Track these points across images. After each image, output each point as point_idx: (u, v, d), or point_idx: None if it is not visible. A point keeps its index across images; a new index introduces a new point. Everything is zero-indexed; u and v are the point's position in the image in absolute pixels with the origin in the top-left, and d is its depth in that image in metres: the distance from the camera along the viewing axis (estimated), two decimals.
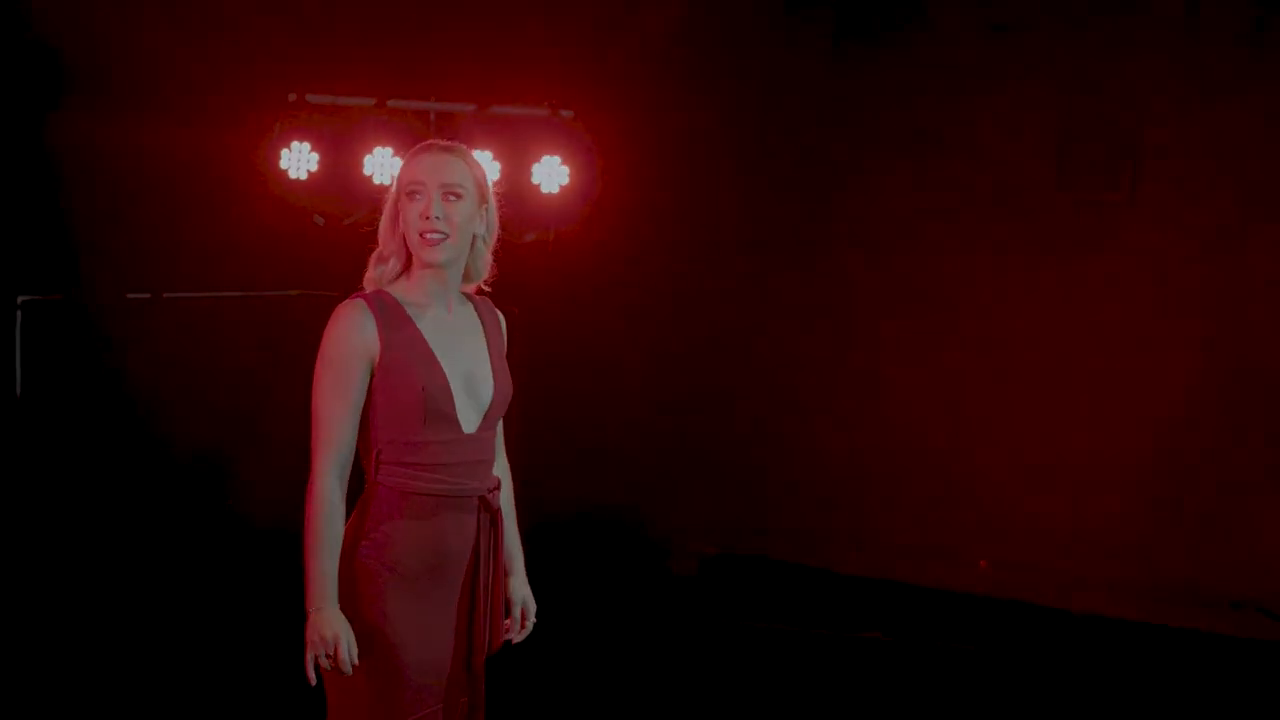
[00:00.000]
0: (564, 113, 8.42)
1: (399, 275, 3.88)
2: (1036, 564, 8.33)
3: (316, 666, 3.74)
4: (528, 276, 8.86)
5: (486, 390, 3.92)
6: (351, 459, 3.81)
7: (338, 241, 8.02)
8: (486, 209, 3.92)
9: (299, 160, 8.29)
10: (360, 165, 8.23)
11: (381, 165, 8.15)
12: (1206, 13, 7.93)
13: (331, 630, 3.71)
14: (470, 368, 3.90)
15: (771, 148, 9.19)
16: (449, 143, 3.95)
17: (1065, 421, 8.34)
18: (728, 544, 9.25)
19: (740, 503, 9.31)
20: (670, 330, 9.52)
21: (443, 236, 3.82)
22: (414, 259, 3.86)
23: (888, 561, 8.78)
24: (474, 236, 3.90)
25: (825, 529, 9.05)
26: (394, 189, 3.90)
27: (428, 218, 3.80)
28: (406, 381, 3.79)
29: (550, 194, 8.37)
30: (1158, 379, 8.06)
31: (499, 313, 4.06)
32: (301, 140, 8.28)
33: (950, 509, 8.63)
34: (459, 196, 3.84)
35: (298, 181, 8.31)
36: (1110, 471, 8.16)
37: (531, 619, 4.13)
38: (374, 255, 3.91)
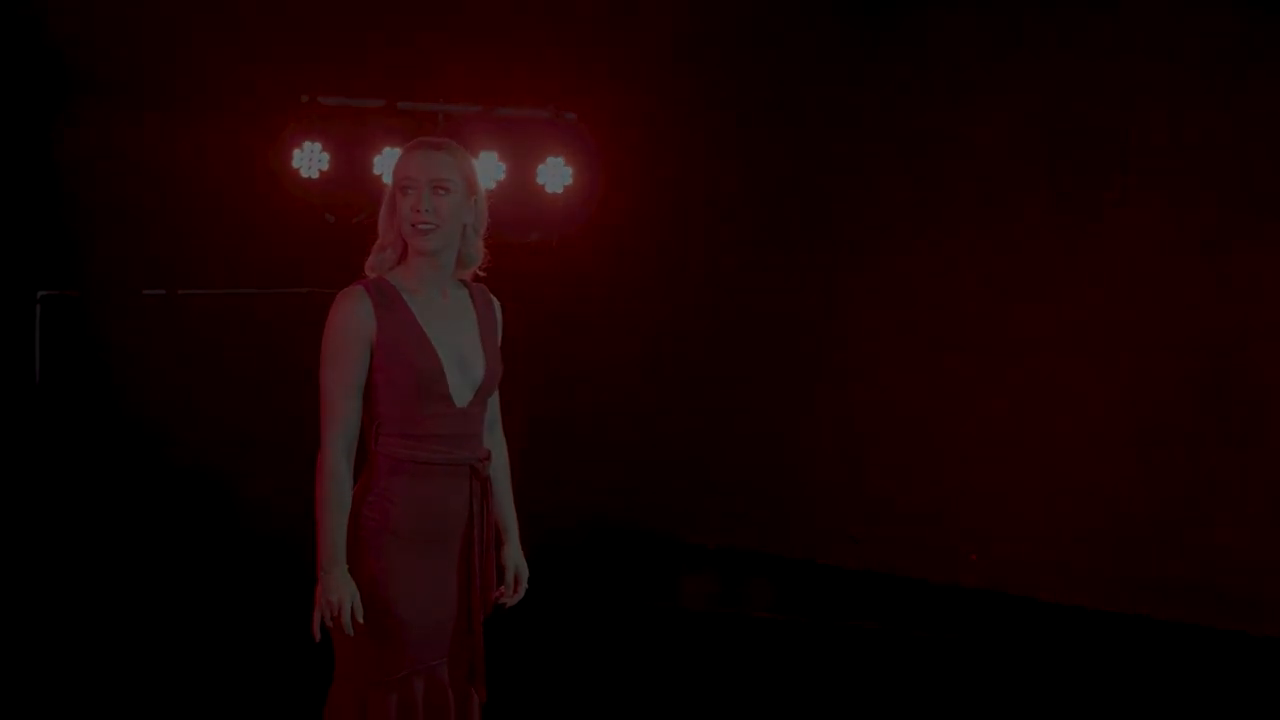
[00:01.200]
0: (568, 115, 8.57)
1: (397, 263, 4.15)
2: (1026, 558, 8.39)
3: (322, 624, 4.01)
4: (531, 276, 9.00)
5: (478, 368, 4.16)
6: (357, 432, 4.07)
7: (348, 239, 8.17)
8: (475, 200, 4.17)
9: (311, 160, 8.43)
10: (370, 165, 8.37)
11: (391, 165, 8.24)
12: (1195, 18, 7.98)
13: (337, 595, 3.97)
14: (462, 347, 4.15)
15: (772, 149, 9.21)
16: (439, 139, 4.23)
17: (1055, 419, 8.37)
18: (728, 539, 9.33)
19: (740, 498, 9.38)
20: (672, 329, 9.57)
21: (432, 227, 4.08)
22: (409, 248, 4.12)
23: (883, 555, 8.85)
24: (464, 226, 4.15)
25: (823, 524, 9.12)
26: (390, 184, 4.16)
27: (418, 210, 4.08)
28: (401, 360, 4.05)
29: (554, 194, 8.49)
30: (1145, 377, 8.10)
31: (494, 298, 4.31)
32: (313, 140, 8.41)
33: (943, 505, 8.69)
34: (447, 190, 4.10)
35: (309, 180, 8.43)
36: (1098, 468, 8.20)
37: (525, 584, 4.36)
38: (375, 245, 4.18)
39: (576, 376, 9.57)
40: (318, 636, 4.02)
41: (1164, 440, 8.06)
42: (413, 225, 4.08)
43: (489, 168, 8.28)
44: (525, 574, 4.36)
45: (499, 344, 4.25)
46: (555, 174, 8.49)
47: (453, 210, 4.10)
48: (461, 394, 4.12)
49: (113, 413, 8.50)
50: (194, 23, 8.33)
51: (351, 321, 4.04)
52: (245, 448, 8.53)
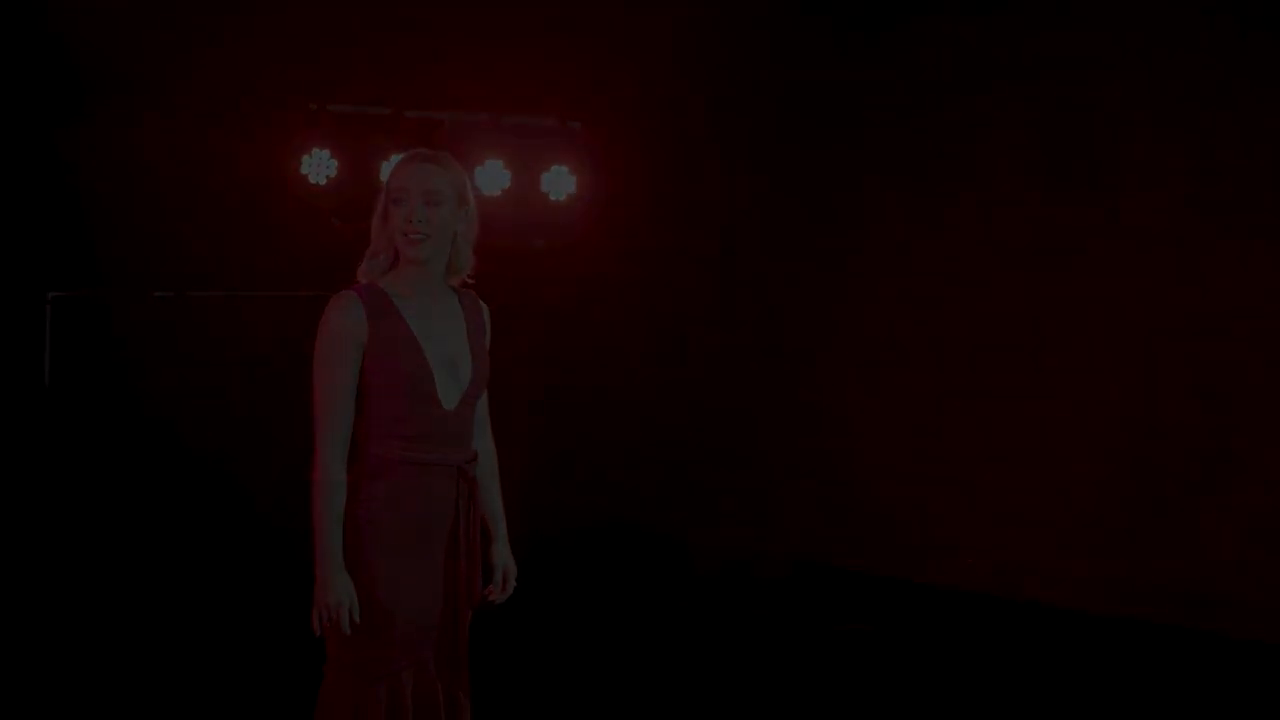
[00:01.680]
0: (572, 123, 8.66)
1: (388, 269, 4.28)
2: (1023, 560, 8.44)
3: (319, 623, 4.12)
4: (535, 282, 9.11)
5: (465, 371, 4.28)
6: (350, 433, 4.19)
7: (354, 244, 8.26)
8: (466, 211, 4.29)
9: (319, 166, 8.53)
10: (377, 171, 8.41)
11: None
12: (1193, 23, 8.01)
13: (335, 598, 4.09)
14: (451, 351, 4.26)
15: (774, 156, 9.26)
16: (432, 151, 4.35)
17: (1052, 422, 8.42)
18: (729, 539, 9.37)
19: (741, 499, 9.40)
20: (676, 336, 9.63)
21: (424, 237, 4.21)
22: (400, 255, 4.25)
23: (880, 557, 8.91)
24: (454, 235, 4.27)
25: (823, 525, 9.19)
26: (383, 193, 4.28)
27: (411, 221, 4.20)
28: (391, 363, 4.17)
29: (558, 202, 8.55)
30: (1137, 386, 8.12)
31: (482, 303, 4.43)
32: (321, 147, 8.51)
33: (941, 506, 8.77)
34: (439, 202, 4.21)
35: (317, 186, 8.54)
36: (1098, 470, 8.23)
37: (513, 582, 4.47)
38: (367, 251, 4.31)
39: (579, 380, 9.64)
40: (318, 633, 4.14)
41: (1164, 442, 8.07)
42: (405, 235, 4.20)
43: (494, 175, 8.37)
44: (514, 572, 4.47)
45: (487, 348, 4.37)
46: (560, 182, 8.56)
47: (444, 221, 4.22)
48: (449, 396, 4.23)
49: (122, 414, 8.60)
50: (206, 30, 8.45)
51: (344, 326, 4.16)
52: (255, 449, 8.62)
